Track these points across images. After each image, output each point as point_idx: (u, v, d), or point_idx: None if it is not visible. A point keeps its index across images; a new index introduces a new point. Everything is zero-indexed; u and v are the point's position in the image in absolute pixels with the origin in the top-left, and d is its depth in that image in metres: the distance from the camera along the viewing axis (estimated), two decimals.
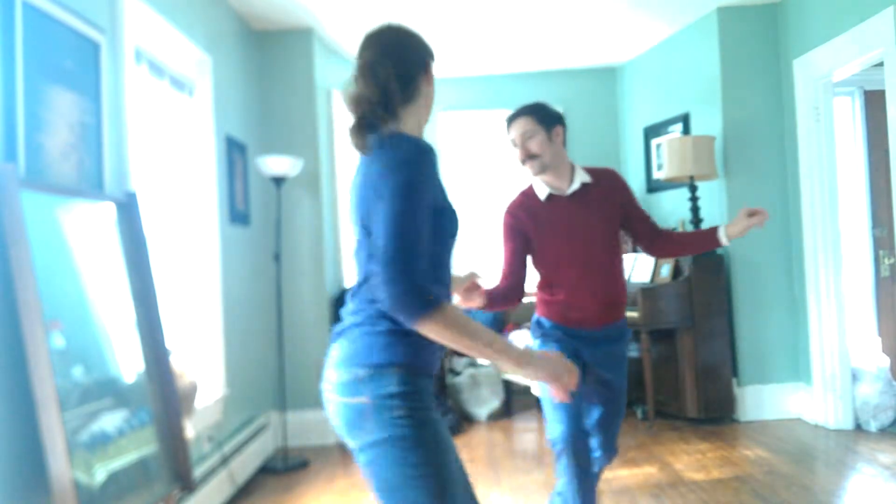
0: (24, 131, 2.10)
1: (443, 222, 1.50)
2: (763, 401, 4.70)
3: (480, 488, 3.63)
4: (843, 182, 5.01)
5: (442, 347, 1.52)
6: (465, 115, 6.13)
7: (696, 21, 4.95)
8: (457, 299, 2.18)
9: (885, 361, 4.56)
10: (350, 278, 5.24)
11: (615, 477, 3.71)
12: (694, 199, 4.72)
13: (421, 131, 1.65)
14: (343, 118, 5.25)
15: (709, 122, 4.88)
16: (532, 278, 2.59)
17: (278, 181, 4.34)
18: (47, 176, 2.22)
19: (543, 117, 2.55)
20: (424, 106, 1.66)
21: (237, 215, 4.14)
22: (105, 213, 2.50)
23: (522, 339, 5.11)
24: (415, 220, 1.40)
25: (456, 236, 1.57)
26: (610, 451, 2.62)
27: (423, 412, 1.45)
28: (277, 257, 4.42)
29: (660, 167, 5.36)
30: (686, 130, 5.14)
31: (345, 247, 5.18)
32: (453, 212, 1.55)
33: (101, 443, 2.16)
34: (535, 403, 5.42)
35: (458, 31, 4.91)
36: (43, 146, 2.21)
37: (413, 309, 1.36)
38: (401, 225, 1.39)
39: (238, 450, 3.83)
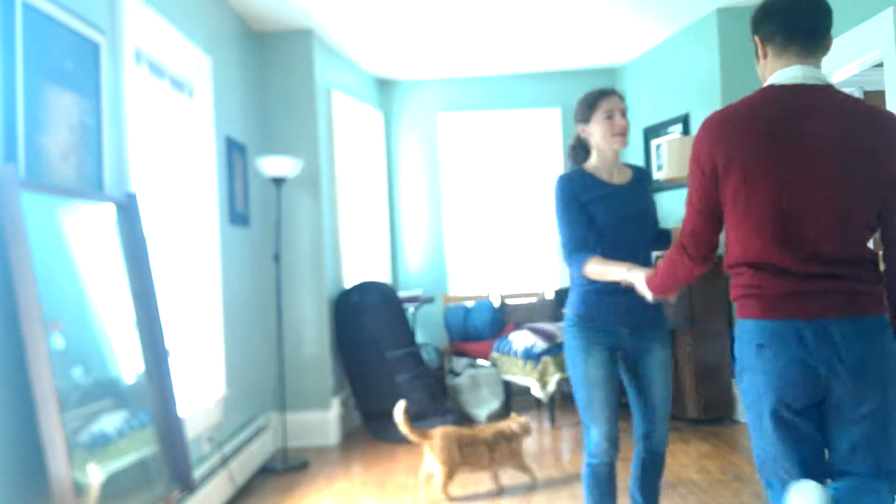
0: (24, 132, 2.10)
1: None
2: None
3: (480, 489, 3.63)
4: None
5: None
6: (465, 115, 6.13)
7: (696, 22, 4.95)
8: None
9: None
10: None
11: None
12: None
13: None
14: (342, 119, 5.25)
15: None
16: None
17: (278, 182, 4.34)
18: (47, 176, 2.22)
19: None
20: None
21: (237, 216, 4.14)
22: (105, 214, 2.50)
23: (523, 340, 5.11)
24: None
25: None
26: None
27: None
28: (277, 258, 4.42)
29: (660, 168, 5.37)
30: (686, 131, 5.14)
31: (345, 247, 5.18)
32: None
33: (101, 444, 2.16)
34: (535, 404, 5.42)
35: (459, 31, 4.92)
36: (43, 147, 2.21)
37: None
38: None
39: (238, 450, 3.83)
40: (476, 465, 3.54)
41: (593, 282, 2.43)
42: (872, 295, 1.71)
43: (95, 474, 2.10)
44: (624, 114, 2.50)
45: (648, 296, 2.15)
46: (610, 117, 2.48)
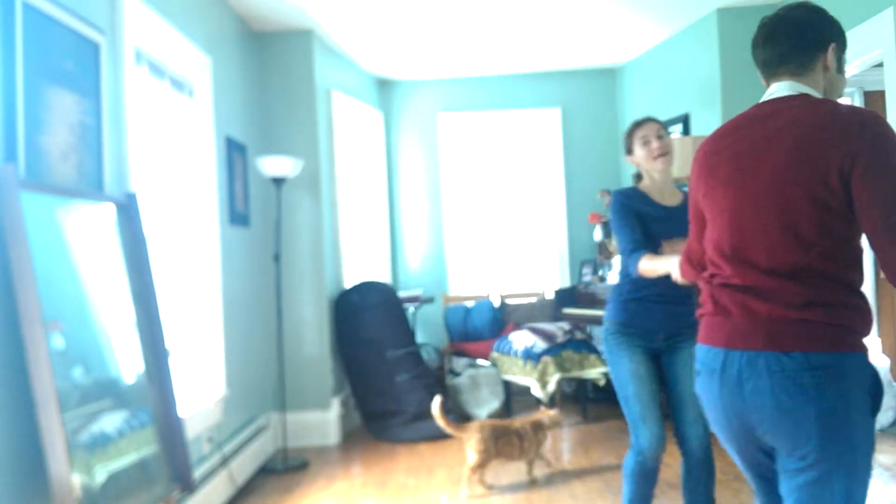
0: (24, 132, 2.10)
1: None
2: None
3: (480, 489, 3.63)
4: None
5: None
6: (465, 115, 6.13)
7: (696, 22, 4.95)
8: None
9: (885, 362, 4.56)
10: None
11: (615, 478, 3.71)
12: None
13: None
14: (342, 119, 5.25)
15: (709, 123, 4.88)
16: None
17: (278, 182, 4.34)
18: (47, 176, 2.22)
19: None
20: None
21: (237, 216, 4.14)
22: (105, 214, 2.50)
23: (523, 340, 5.11)
24: None
25: None
26: None
27: None
28: (277, 258, 4.42)
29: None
30: (686, 131, 5.14)
31: (345, 247, 5.18)
32: None
33: (101, 444, 2.16)
34: (535, 404, 5.42)
35: (459, 31, 4.91)
36: (43, 147, 2.21)
37: None
38: None
39: (238, 450, 3.83)
40: (509, 456, 3.67)
41: (634, 291, 2.64)
42: (831, 326, 1.46)
43: (96, 475, 2.10)
44: (660, 136, 2.74)
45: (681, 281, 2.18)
46: (647, 143, 2.75)
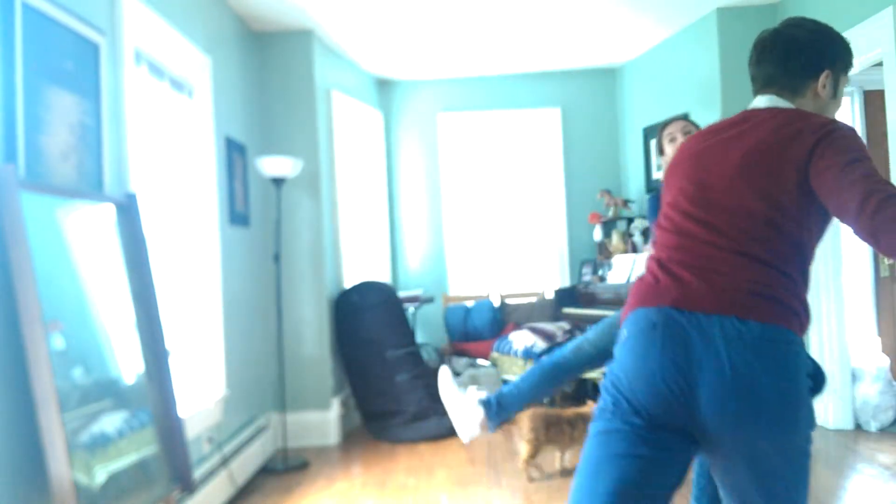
0: (24, 132, 2.10)
1: None
2: None
3: (480, 489, 3.63)
4: None
5: None
6: (465, 115, 6.13)
7: (696, 22, 4.95)
8: None
9: (885, 361, 4.56)
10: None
11: None
12: None
13: None
14: (342, 119, 5.25)
15: (708, 123, 4.87)
16: None
17: (278, 182, 4.34)
18: (47, 177, 2.22)
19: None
20: None
21: (237, 216, 4.14)
22: (105, 214, 2.50)
23: (523, 340, 5.11)
24: None
25: None
26: None
27: None
28: (277, 258, 4.42)
29: (659, 168, 5.37)
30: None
31: (345, 247, 5.18)
32: None
33: (101, 444, 2.17)
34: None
35: (459, 31, 4.92)
36: (43, 147, 2.21)
37: None
38: None
39: (238, 450, 3.83)
40: (558, 444, 3.77)
41: None
42: (790, 307, 1.41)
43: (96, 475, 2.10)
44: (687, 132, 2.85)
45: None
46: (673, 140, 2.88)
